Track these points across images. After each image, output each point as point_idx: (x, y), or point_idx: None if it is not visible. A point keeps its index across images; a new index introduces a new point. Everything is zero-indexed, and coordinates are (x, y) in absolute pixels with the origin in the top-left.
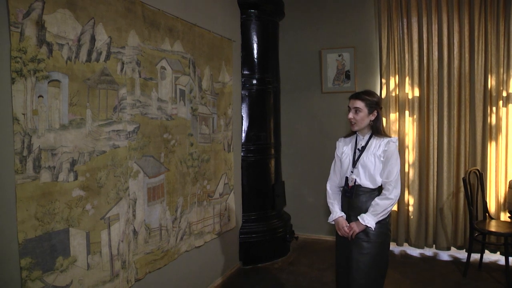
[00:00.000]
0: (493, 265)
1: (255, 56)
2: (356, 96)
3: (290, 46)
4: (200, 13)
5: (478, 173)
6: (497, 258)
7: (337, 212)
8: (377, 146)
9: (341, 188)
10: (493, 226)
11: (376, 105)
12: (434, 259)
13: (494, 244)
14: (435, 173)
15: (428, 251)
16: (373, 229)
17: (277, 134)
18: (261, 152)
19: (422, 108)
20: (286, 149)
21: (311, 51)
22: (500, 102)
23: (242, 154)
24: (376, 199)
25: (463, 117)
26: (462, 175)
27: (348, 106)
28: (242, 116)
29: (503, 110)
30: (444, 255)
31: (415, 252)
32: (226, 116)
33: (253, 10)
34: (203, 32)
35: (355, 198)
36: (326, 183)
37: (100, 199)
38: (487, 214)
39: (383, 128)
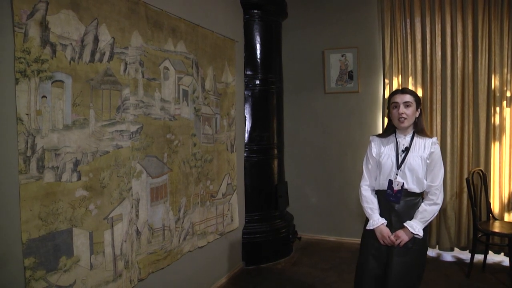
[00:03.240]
0: (497, 266)
1: (258, 56)
2: (404, 90)
3: (293, 46)
4: (203, 14)
5: (481, 173)
6: (501, 259)
7: (378, 219)
8: (421, 146)
9: (375, 191)
10: (496, 227)
11: (420, 101)
12: (437, 259)
13: (498, 245)
14: None
15: (431, 252)
16: (421, 236)
17: (280, 134)
18: (264, 153)
19: (425, 108)
20: (289, 149)
21: (314, 51)
22: (504, 103)
23: (245, 154)
24: (422, 205)
25: (466, 117)
26: (465, 175)
27: (395, 102)
28: (245, 117)
29: (507, 111)
30: (447, 256)
31: None
32: (229, 117)
33: (256, 11)
34: (206, 33)
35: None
36: (328, 183)
37: (103, 199)
38: (490, 214)
39: (424, 126)
